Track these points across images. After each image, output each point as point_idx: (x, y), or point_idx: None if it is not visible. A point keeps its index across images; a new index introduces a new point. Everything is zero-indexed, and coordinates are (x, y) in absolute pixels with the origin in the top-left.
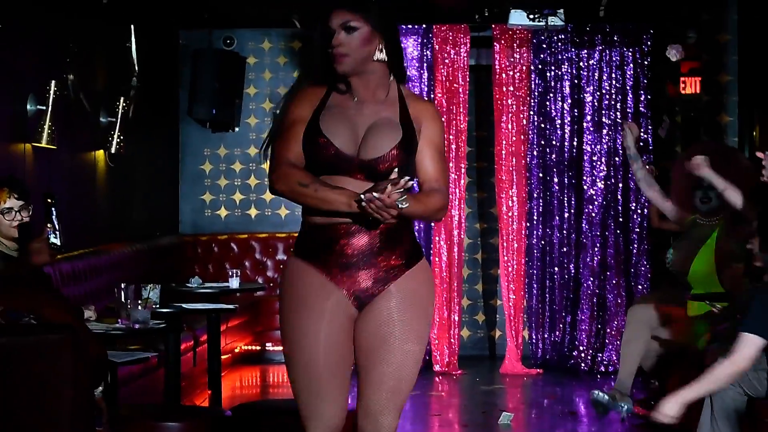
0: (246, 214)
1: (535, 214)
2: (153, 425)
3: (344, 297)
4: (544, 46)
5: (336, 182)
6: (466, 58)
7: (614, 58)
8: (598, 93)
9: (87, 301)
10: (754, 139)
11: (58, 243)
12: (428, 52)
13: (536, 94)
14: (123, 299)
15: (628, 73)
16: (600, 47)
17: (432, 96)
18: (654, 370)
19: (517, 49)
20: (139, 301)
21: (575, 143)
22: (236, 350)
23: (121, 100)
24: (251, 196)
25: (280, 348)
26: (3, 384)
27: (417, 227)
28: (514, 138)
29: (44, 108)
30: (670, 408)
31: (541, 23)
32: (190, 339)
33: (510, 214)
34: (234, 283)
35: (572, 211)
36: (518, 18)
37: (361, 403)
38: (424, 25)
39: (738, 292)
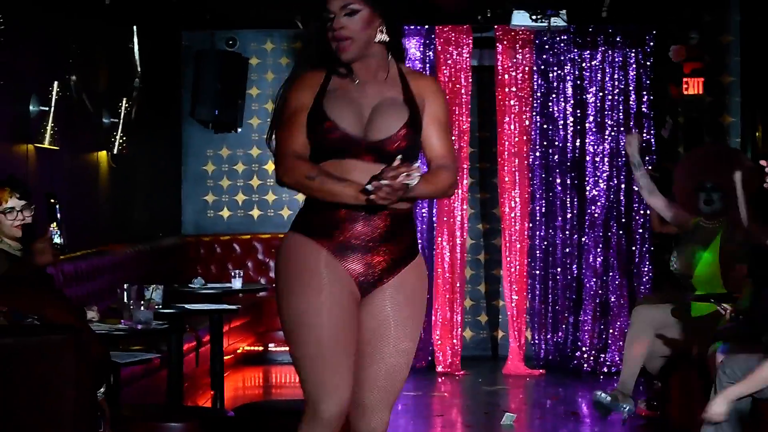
0: (248, 215)
1: (538, 214)
2: (155, 426)
3: (348, 277)
4: (547, 47)
5: (344, 166)
6: (468, 59)
7: (617, 59)
8: (601, 94)
9: (89, 302)
10: (756, 140)
11: (62, 243)
12: (431, 53)
13: (539, 95)
14: (126, 300)
15: (631, 74)
16: (602, 48)
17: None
18: (657, 371)
19: (520, 50)
20: (142, 302)
21: (578, 144)
22: (239, 351)
23: (124, 101)
24: (254, 196)
25: (283, 349)
26: (5, 384)
27: (419, 227)
28: (516, 139)
29: (47, 109)
30: (718, 406)
31: (543, 24)
32: (193, 340)
33: (513, 214)
34: (237, 283)
35: (575, 211)
36: (521, 19)
37: (354, 400)
38: (426, 26)
39: (741, 293)
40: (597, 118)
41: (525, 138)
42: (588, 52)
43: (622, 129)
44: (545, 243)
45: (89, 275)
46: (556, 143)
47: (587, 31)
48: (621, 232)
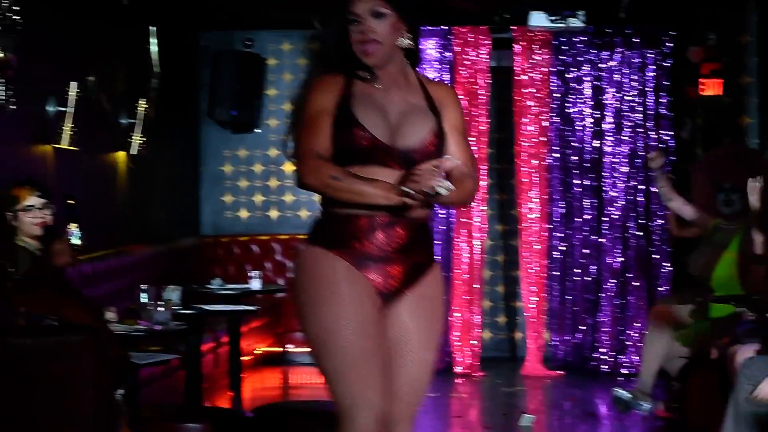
0: (266, 216)
1: (556, 215)
2: (174, 426)
3: (370, 287)
4: (565, 47)
5: (367, 172)
6: (486, 60)
7: (635, 60)
8: (619, 95)
9: (107, 303)
10: None
11: (80, 244)
12: (449, 54)
13: (557, 95)
14: (144, 301)
15: (649, 74)
16: (620, 49)
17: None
18: (676, 372)
19: (538, 51)
20: (160, 303)
21: (596, 145)
22: (257, 352)
23: (142, 102)
24: (272, 197)
25: (302, 349)
26: (24, 385)
27: (438, 228)
28: (534, 140)
29: (65, 110)
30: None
31: (561, 25)
32: (212, 340)
33: (531, 215)
34: (255, 284)
35: (593, 212)
36: (538, 20)
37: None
38: (444, 27)
39: (760, 295)
40: (615, 119)
41: (543, 139)
42: (606, 53)
43: (639, 130)
44: (564, 244)
45: (107, 276)
46: (574, 144)
47: (605, 32)
48: (639, 233)
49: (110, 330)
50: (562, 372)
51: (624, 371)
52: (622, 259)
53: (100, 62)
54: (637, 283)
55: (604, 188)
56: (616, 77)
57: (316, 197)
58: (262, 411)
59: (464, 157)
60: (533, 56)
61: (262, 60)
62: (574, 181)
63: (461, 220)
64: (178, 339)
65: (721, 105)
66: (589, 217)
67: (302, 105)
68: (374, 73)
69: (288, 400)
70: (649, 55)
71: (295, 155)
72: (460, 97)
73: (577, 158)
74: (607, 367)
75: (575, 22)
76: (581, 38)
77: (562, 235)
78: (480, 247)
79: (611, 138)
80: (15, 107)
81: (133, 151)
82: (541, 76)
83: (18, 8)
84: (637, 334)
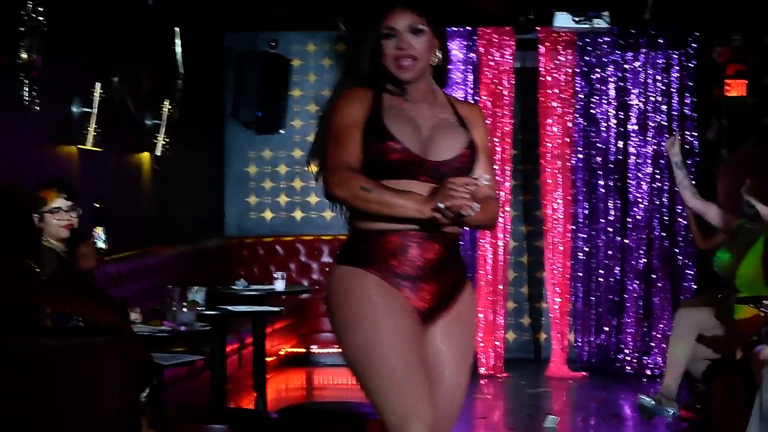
0: (291, 217)
1: (581, 216)
2: (198, 427)
3: (410, 306)
4: (589, 48)
5: (399, 186)
6: (511, 61)
7: (659, 61)
8: (644, 96)
9: (132, 304)
10: None
11: (105, 248)
12: (473, 55)
13: (581, 96)
14: (168, 302)
15: (674, 75)
16: (645, 50)
17: (477, 99)
18: (701, 374)
19: (562, 52)
20: (185, 304)
21: (620, 146)
22: (281, 353)
23: (166, 103)
24: (296, 198)
25: (326, 350)
26: (49, 386)
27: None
28: (559, 141)
29: (90, 111)
30: None
31: (586, 25)
32: (236, 341)
33: (555, 216)
34: (279, 285)
35: (617, 213)
36: (563, 20)
37: None
38: (468, 28)
39: None
40: (639, 119)
41: (567, 140)
42: (631, 53)
43: (665, 132)
44: (588, 245)
45: (132, 277)
46: (599, 145)
47: (630, 32)
48: (664, 234)
49: (134, 331)
50: (586, 373)
51: (648, 372)
52: (646, 260)
53: (124, 63)
54: (662, 284)
55: (628, 189)
56: (641, 78)
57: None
58: (286, 412)
59: (490, 180)
60: (558, 57)
61: (287, 61)
62: (599, 182)
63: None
64: (203, 340)
65: (746, 106)
66: (613, 218)
67: (331, 117)
68: (405, 89)
69: (312, 401)
70: (673, 55)
71: (323, 167)
72: (484, 97)
73: (601, 159)
74: (631, 368)
75: (600, 23)
76: (606, 39)
77: (587, 236)
78: (504, 248)
79: (636, 139)
80: (40, 108)
81: (158, 152)
82: (566, 76)
83: (42, 9)
84: (661, 336)
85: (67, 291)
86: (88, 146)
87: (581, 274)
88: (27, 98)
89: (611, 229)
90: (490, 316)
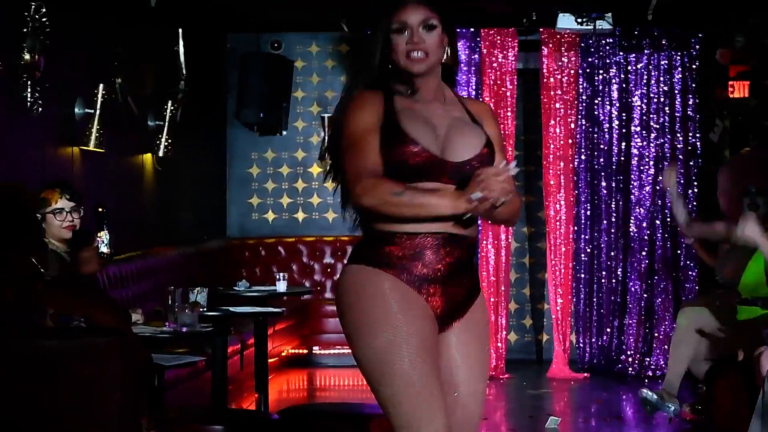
0: (293, 218)
1: (583, 218)
2: (200, 428)
3: (431, 311)
4: (592, 49)
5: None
6: (513, 62)
7: (662, 62)
8: (646, 97)
9: (135, 305)
10: None
11: (107, 252)
12: (476, 56)
13: (584, 97)
14: (171, 303)
15: (676, 77)
16: (648, 51)
17: (480, 100)
18: (703, 375)
19: (565, 53)
20: (187, 305)
21: (623, 147)
22: (283, 353)
23: (169, 104)
24: (298, 199)
25: (327, 351)
26: (50, 386)
27: None
28: (561, 142)
29: (92, 111)
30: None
31: (589, 27)
32: (238, 342)
33: (558, 218)
34: (281, 286)
35: (620, 215)
36: (566, 22)
37: None
38: (472, 29)
39: None
40: (642, 121)
41: (570, 141)
42: (633, 55)
43: (667, 133)
44: (590, 246)
45: (134, 278)
46: (602, 146)
47: (633, 34)
48: (666, 235)
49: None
50: (587, 374)
51: (650, 373)
52: (649, 262)
53: (127, 64)
54: (664, 285)
55: (631, 190)
56: (644, 79)
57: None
58: (287, 413)
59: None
60: (561, 58)
61: (290, 62)
62: (601, 184)
63: (487, 222)
64: (205, 341)
65: (749, 107)
66: (615, 219)
67: (344, 124)
68: (416, 87)
69: (314, 402)
70: (676, 57)
71: (344, 178)
72: (487, 98)
73: (604, 160)
74: (633, 369)
75: (603, 24)
76: (609, 40)
77: (589, 237)
78: (506, 249)
79: (638, 140)
80: (42, 109)
81: (160, 153)
82: (569, 78)
83: (45, 10)
84: (663, 337)
85: (69, 292)
86: (91, 147)
87: (583, 276)
88: (30, 99)
89: (613, 230)
90: (491, 317)
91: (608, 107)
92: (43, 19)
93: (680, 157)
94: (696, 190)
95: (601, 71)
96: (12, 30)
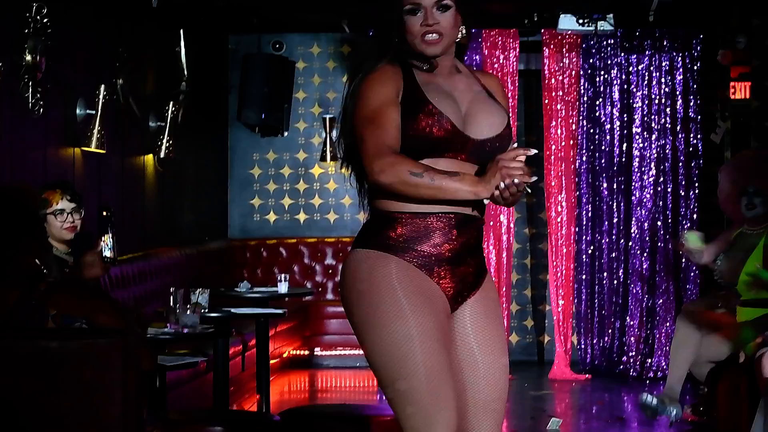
0: (295, 219)
1: (584, 219)
2: (201, 429)
3: (440, 294)
4: (594, 50)
5: (440, 165)
6: (515, 63)
7: (664, 63)
8: (648, 98)
9: (136, 306)
10: None
11: (111, 257)
12: (477, 57)
13: (585, 98)
14: (172, 304)
15: (678, 78)
16: (649, 52)
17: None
18: (704, 377)
19: (567, 54)
20: (188, 306)
21: (624, 148)
22: (285, 355)
23: (171, 105)
24: (300, 200)
25: (329, 353)
26: (52, 388)
27: None
28: (563, 143)
29: (93, 112)
30: None
31: (590, 28)
32: (239, 343)
33: (559, 219)
34: (283, 287)
35: (621, 216)
36: (568, 23)
37: (462, 426)
38: (473, 30)
39: None
40: (644, 122)
41: (572, 142)
42: (635, 56)
43: (669, 134)
44: (592, 247)
45: (136, 279)
46: (603, 147)
47: (634, 35)
48: (667, 236)
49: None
50: (589, 375)
51: (651, 375)
52: (650, 263)
53: (129, 65)
54: (665, 287)
55: (632, 191)
56: (645, 80)
57: (346, 200)
58: (289, 414)
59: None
60: (562, 59)
61: (291, 63)
62: (603, 185)
63: (489, 223)
64: (206, 342)
65: (750, 108)
66: (617, 220)
67: (362, 99)
68: (433, 64)
69: (315, 403)
70: (677, 58)
71: (360, 153)
72: None
73: (605, 161)
74: (634, 370)
75: (604, 25)
76: (610, 41)
77: (590, 238)
78: (507, 250)
79: (640, 141)
80: (44, 110)
81: (162, 154)
82: (570, 79)
83: (46, 11)
84: (664, 338)
85: (72, 293)
86: (92, 148)
87: (585, 277)
88: (31, 100)
89: (615, 232)
90: None
91: (609, 108)
92: (45, 20)
93: (681, 158)
94: (697, 191)
95: (602, 72)
96: (13, 31)
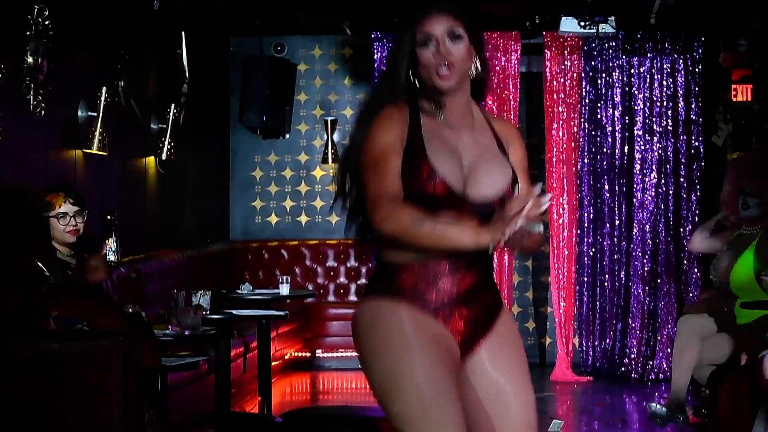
0: (296, 221)
1: (586, 221)
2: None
3: (451, 337)
4: (595, 53)
5: (441, 216)
6: (516, 66)
7: (665, 66)
8: (649, 100)
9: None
10: None
11: (115, 260)
12: None
13: (587, 101)
14: (174, 305)
15: (679, 80)
16: (651, 54)
17: (483, 103)
18: (705, 379)
19: (568, 57)
20: (190, 308)
21: (626, 150)
22: (286, 357)
23: (172, 107)
24: (301, 202)
25: (330, 355)
26: (53, 390)
27: None
28: (564, 145)
29: (95, 114)
30: None
31: (592, 30)
32: (241, 345)
33: (561, 221)
34: (284, 289)
35: (623, 218)
36: (569, 25)
37: None
38: None
39: None
40: (645, 124)
41: (573, 144)
42: (636, 58)
43: (670, 136)
44: (593, 250)
45: (137, 281)
46: (605, 150)
47: (636, 37)
48: (669, 238)
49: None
50: (590, 377)
51: (653, 377)
52: (651, 265)
53: (130, 67)
54: (666, 289)
55: (634, 194)
56: (647, 83)
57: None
58: (290, 416)
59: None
60: (564, 62)
61: (293, 65)
62: (604, 187)
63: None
64: (208, 344)
65: (751, 111)
66: (618, 222)
67: (367, 142)
68: (442, 104)
69: (317, 405)
70: (679, 60)
71: (365, 199)
72: (489, 102)
73: (606, 164)
74: (636, 373)
75: (606, 28)
76: (612, 44)
77: (592, 240)
78: (509, 252)
79: (641, 143)
80: (45, 112)
81: (163, 156)
82: (572, 81)
83: (48, 13)
84: (666, 340)
85: (73, 294)
86: (94, 150)
87: (586, 279)
88: (33, 102)
89: (616, 234)
90: None
91: (611, 110)
92: (46, 22)
93: (683, 160)
94: (698, 194)
95: (604, 74)
96: (15, 33)
